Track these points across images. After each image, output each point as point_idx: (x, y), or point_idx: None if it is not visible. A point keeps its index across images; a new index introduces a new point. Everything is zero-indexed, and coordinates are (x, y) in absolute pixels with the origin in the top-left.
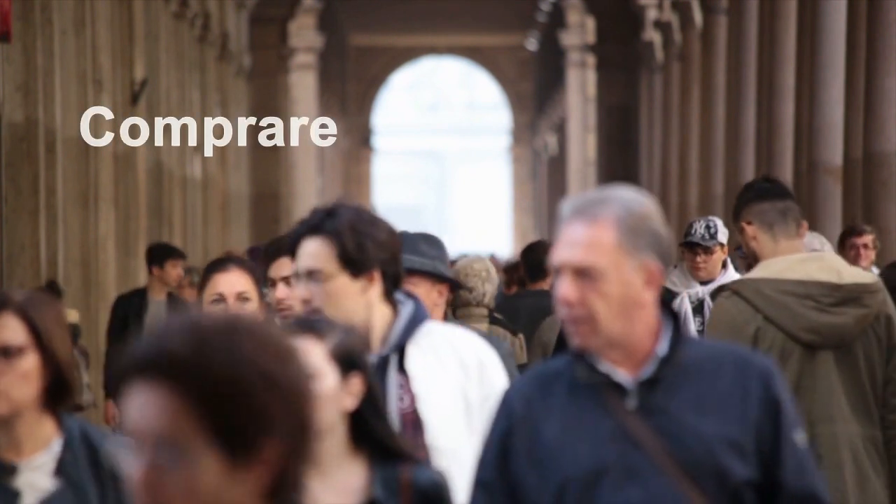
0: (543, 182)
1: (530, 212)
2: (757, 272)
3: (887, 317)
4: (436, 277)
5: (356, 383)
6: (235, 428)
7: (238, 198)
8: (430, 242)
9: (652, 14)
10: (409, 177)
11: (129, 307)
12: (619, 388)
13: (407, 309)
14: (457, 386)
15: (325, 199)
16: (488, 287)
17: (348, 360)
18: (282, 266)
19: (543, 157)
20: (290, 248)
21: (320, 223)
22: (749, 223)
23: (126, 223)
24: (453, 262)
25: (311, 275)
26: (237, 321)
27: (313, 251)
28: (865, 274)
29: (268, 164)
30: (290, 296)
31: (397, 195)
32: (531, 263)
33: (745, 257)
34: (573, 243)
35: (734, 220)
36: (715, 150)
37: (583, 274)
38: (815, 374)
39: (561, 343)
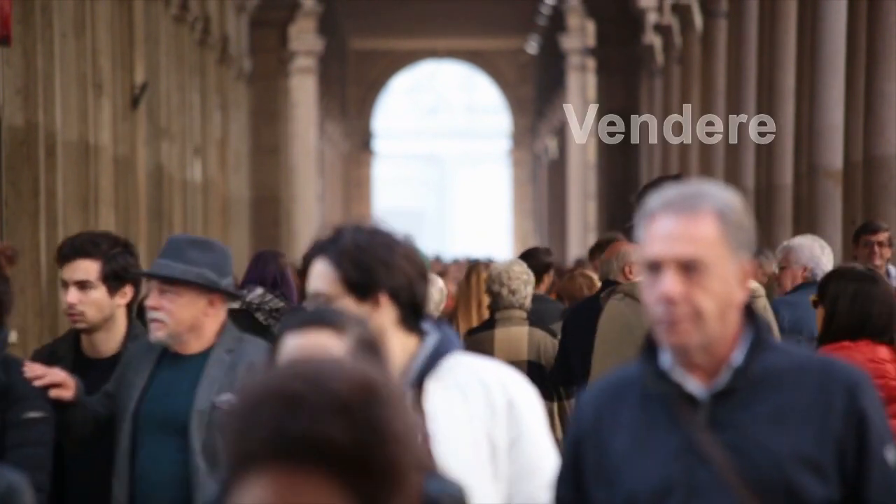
0: (543, 185)
1: (530, 215)
2: None
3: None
4: (202, 287)
5: None
6: (380, 501)
7: (238, 201)
8: (203, 248)
9: (652, 17)
10: (410, 180)
11: None
12: (691, 399)
13: (430, 340)
14: (481, 428)
15: (325, 202)
16: (529, 289)
17: (371, 355)
18: (75, 269)
19: (543, 160)
20: (302, 270)
21: (326, 245)
22: None
23: (126, 226)
24: (474, 263)
25: (318, 297)
26: (371, 385)
27: (319, 273)
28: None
29: (268, 168)
30: (82, 301)
31: (397, 199)
32: (532, 268)
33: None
34: (675, 237)
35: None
36: (715, 154)
37: (688, 268)
38: None
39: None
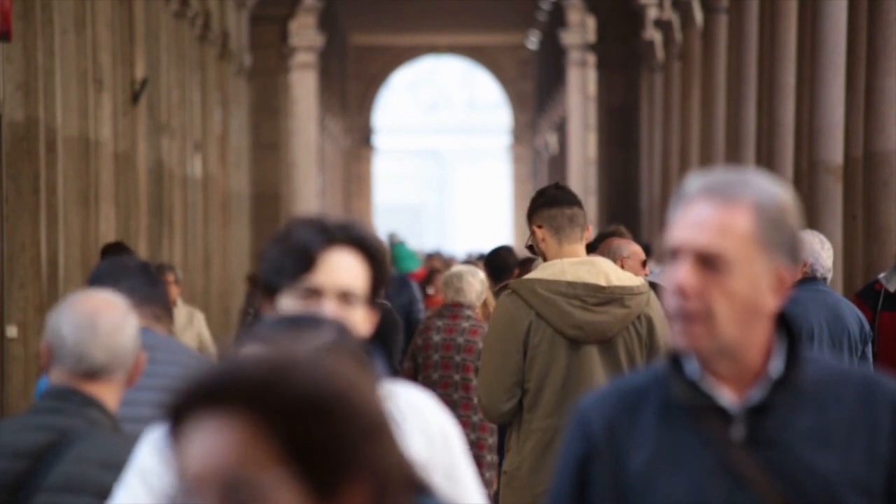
0: (544, 181)
1: None
2: (535, 273)
3: (648, 317)
4: None
5: None
6: (319, 461)
7: (239, 197)
8: None
9: (652, 13)
10: (410, 176)
11: None
12: (722, 413)
13: None
14: (416, 457)
15: (325, 198)
16: None
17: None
18: None
19: (544, 156)
20: (304, 257)
21: (358, 235)
22: (539, 227)
23: (127, 222)
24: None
25: (345, 297)
26: (298, 353)
27: (351, 267)
28: (633, 278)
29: (268, 164)
30: None
31: (398, 194)
32: (496, 267)
33: (535, 254)
34: (700, 224)
35: (528, 222)
36: (715, 150)
37: (707, 262)
38: (582, 368)
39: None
